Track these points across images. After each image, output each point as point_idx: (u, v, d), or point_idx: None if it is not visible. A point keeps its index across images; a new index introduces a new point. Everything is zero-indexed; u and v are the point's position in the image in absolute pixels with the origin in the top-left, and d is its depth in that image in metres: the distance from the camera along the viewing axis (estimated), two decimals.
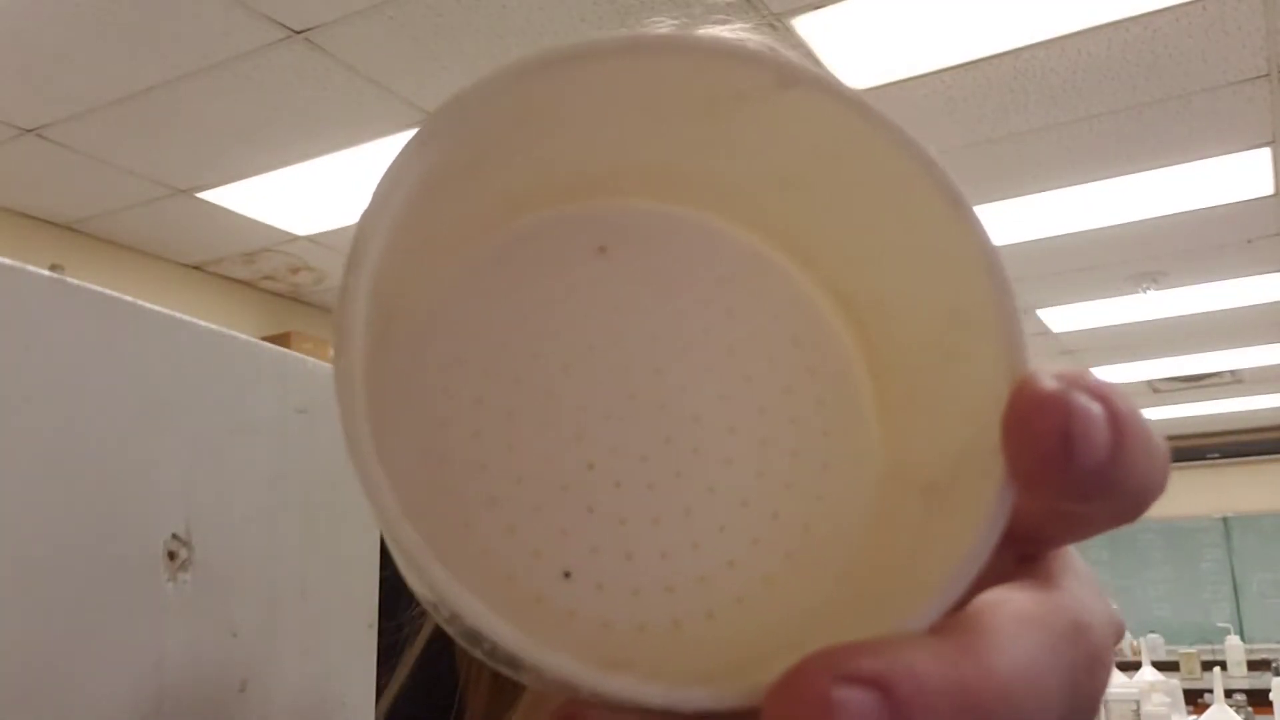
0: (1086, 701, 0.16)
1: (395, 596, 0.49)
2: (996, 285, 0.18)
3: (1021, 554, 0.18)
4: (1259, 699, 4.03)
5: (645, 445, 0.20)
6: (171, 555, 0.29)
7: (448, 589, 0.15)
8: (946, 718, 0.14)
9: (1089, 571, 0.19)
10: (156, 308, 0.30)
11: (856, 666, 0.14)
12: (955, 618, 0.16)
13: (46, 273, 0.27)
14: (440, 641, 0.52)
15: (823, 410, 0.21)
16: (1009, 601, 0.16)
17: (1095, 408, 0.15)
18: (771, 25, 2.46)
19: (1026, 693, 0.15)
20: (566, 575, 0.19)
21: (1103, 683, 0.16)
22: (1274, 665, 5.25)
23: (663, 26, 0.59)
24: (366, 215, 0.17)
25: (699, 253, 0.21)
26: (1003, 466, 0.16)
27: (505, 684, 0.46)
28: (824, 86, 0.19)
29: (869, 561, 0.20)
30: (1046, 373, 0.16)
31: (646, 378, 0.21)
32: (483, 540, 0.19)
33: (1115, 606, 0.19)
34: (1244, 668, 5.38)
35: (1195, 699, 4.12)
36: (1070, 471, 0.15)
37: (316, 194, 3.48)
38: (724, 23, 0.59)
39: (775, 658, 0.17)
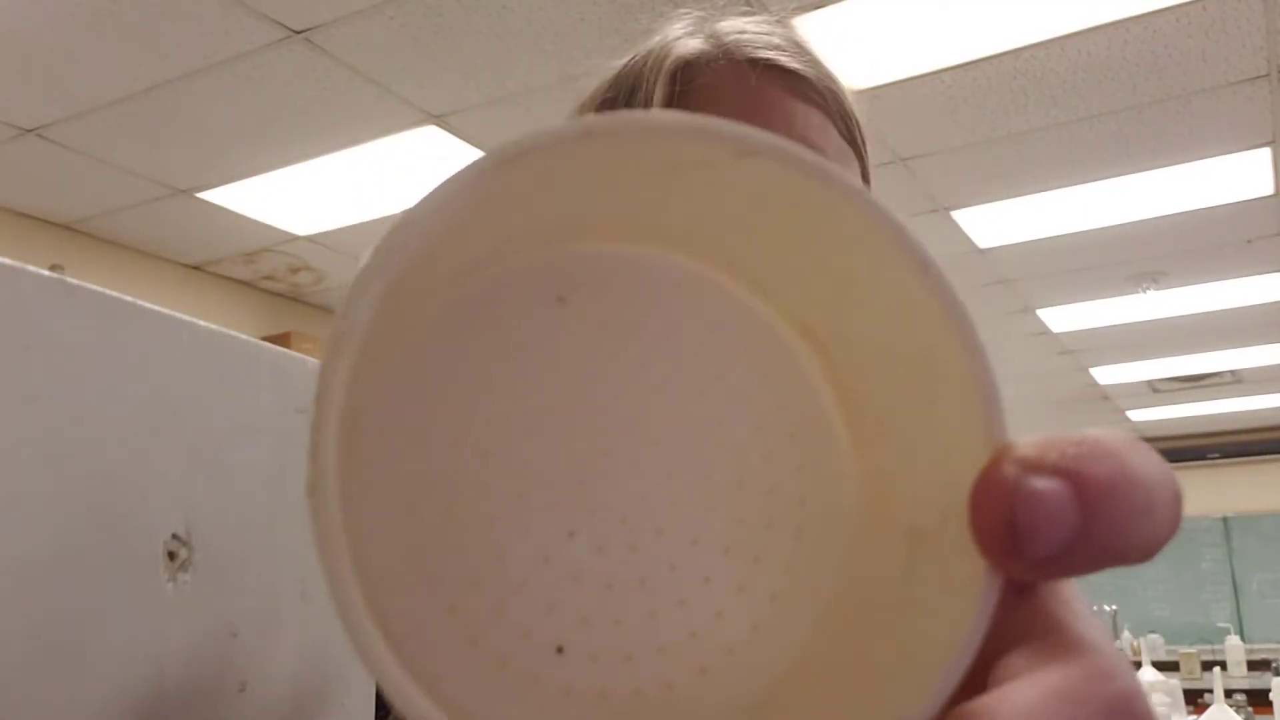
0: None
1: None
2: (966, 345, 0.18)
3: (1018, 587, 0.18)
4: (1259, 699, 4.03)
5: (623, 504, 0.20)
6: (171, 555, 0.29)
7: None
8: None
9: (1078, 591, 0.19)
10: (156, 308, 0.30)
11: None
12: (975, 705, 0.15)
13: (46, 273, 0.27)
14: None
15: (795, 443, 0.21)
16: (1035, 686, 0.15)
17: (1051, 491, 0.15)
18: (783, 21, 2.45)
19: None
20: (560, 650, 0.19)
21: None
22: (1274, 665, 5.25)
23: (684, 20, 0.59)
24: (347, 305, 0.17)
25: (659, 292, 0.21)
26: None
27: None
28: (783, 155, 0.19)
29: (852, 600, 0.20)
30: (1015, 451, 0.16)
31: (619, 430, 0.20)
32: (471, 626, 0.19)
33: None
34: (1244, 668, 5.38)
35: (1195, 699, 4.12)
36: (1023, 559, 0.15)
37: (316, 194, 3.48)
38: (747, 15, 0.59)
39: (767, 709, 0.17)
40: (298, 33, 2.54)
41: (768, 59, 0.54)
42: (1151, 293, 4.49)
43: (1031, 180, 3.44)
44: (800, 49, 0.56)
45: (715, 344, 0.21)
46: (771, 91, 0.54)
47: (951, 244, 3.96)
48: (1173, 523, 0.17)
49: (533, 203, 0.19)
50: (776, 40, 0.56)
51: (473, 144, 3.14)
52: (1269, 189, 3.54)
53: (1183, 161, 3.32)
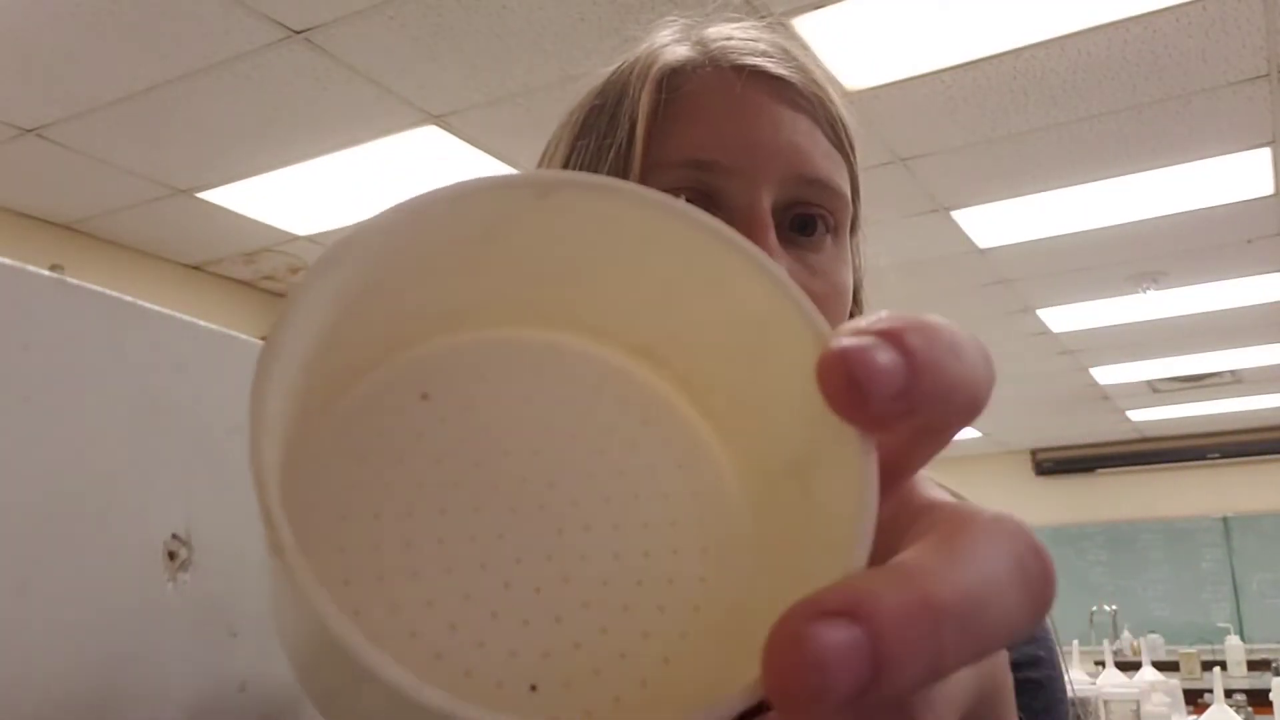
0: (1040, 587, 0.18)
1: None
2: (772, 281, 0.21)
3: (895, 492, 0.21)
4: (1259, 699, 4.03)
5: (544, 544, 0.22)
6: (171, 555, 0.29)
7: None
8: (915, 627, 0.15)
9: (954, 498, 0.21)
10: (156, 308, 0.30)
11: (823, 604, 0.15)
12: (904, 553, 0.17)
13: (46, 273, 0.27)
14: None
15: (671, 448, 0.24)
16: (939, 529, 0.18)
17: (873, 343, 0.18)
18: (771, 25, 2.45)
19: (985, 591, 0.17)
20: (534, 689, 0.20)
21: (1050, 571, 0.18)
22: (1274, 665, 5.25)
23: (671, 26, 0.59)
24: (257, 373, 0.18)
25: (508, 364, 0.24)
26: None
27: None
28: (579, 185, 0.21)
29: (772, 549, 0.22)
30: (839, 332, 0.19)
31: (516, 485, 0.23)
32: (448, 688, 0.20)
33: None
34: (1244, 668, 5.38)
35: (1195, 699, 4.12)
36: (875, 403, 0.18)
37: (316, 194, 3.48)
38: (734, 20, 0.60)
39: (736, 654, 0.18)
40: (298, 33, 2.54)
41: (753, 65, 0.55)
42: (1151, 293, 4.49)
43: (1031, 180, 3.45)
44: (787, 55, 0.57)
45: (572, 392, 0.24)
46: (757, 97, 0.54)
47: (951, 244, 3.96)
48: (988, 372, 0.20)
49: (373, 311, 0.22)
50: (763, 46, 0.56)
51: (473, 144, 3.14)
52: (1269, 189, 3.54)
53: (1183, 161, 3.32)
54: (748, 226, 0.51)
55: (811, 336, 0.20)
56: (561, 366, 0.24)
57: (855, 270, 0.59)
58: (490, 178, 0.21)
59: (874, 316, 0.19)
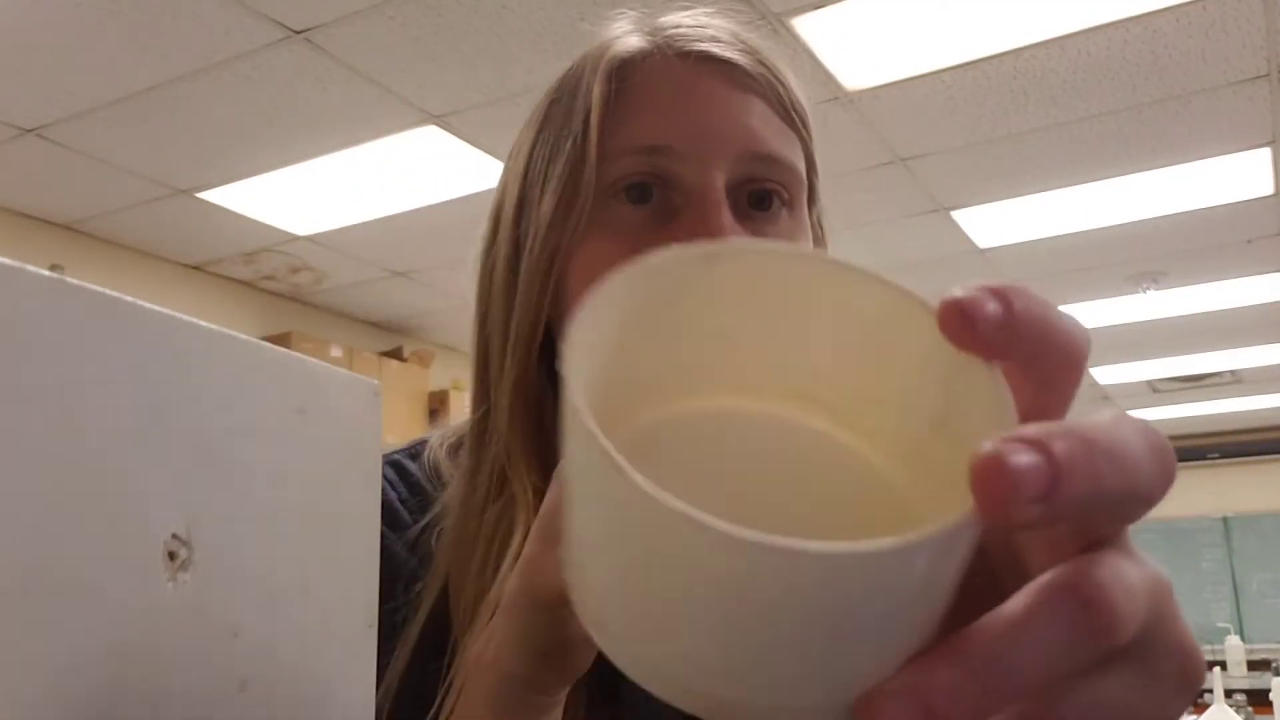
0: (1166, 461, 0.23)
1: (390, 582, 0.50)
2: (883, 283, 0.25)
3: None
4: (1259, 699, 4.03)
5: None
6: (171, 555, 0.29)
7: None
8: (1079, 454, 0.21)
9: None
10: (156, 308, 0.30)
11: (1021, 436, 0.21)
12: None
13: (46, 273, 0.27)
14: (438, 619, 0.53)
15: (844, 470, 0.28)
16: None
17: (979, 293, 0.23)
18: (771, 25, 2.46)
19: (1125, 446, 0.22)
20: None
21: (1171, 453, 0.23)
22: (1274, 665, 5.24)
23: (626, 18, 0.60)
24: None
25: (707, 432, 0.28)
26: (976, 359, 0.24)
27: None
28: (743, 250, 0.26)
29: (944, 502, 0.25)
30: (949, 292, 0.23)
31: (746, 499, 0.27)
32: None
33: None
34: (1244, 668, 5.38)
35: (1195, 699, 4.11)
36: (982, 325, 0.23)
37: (316, 194, 3.48)
38: (686, 9, 0.60)
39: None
40: (298, 33, 2.54)
41: (700, 50, 0.55)
42: (1151, 293, 4.49)
43: (1031, 180, 3.45)
44: (736, 38, 0.57)
45: (763, 448, 0.29)
46: (706, 81, 0.55)
47: (951, 244, 3.96)
48: (1085, 337, 0.25)
49: (599, 383, 0.25)
50: (711, 32, 0.57)
51: (473, 144, 3.14)
52: (1269, 189, 3.54)
53: (1183, 161, 3.32)
54: (702, 206, 0.52)
55: (925, 313, 0.24)
56: (747, 428, 0.29)
57: (816, 242, 0.60)
58: (669, 251, 0.25)
59: (974, 284, 0.24)
